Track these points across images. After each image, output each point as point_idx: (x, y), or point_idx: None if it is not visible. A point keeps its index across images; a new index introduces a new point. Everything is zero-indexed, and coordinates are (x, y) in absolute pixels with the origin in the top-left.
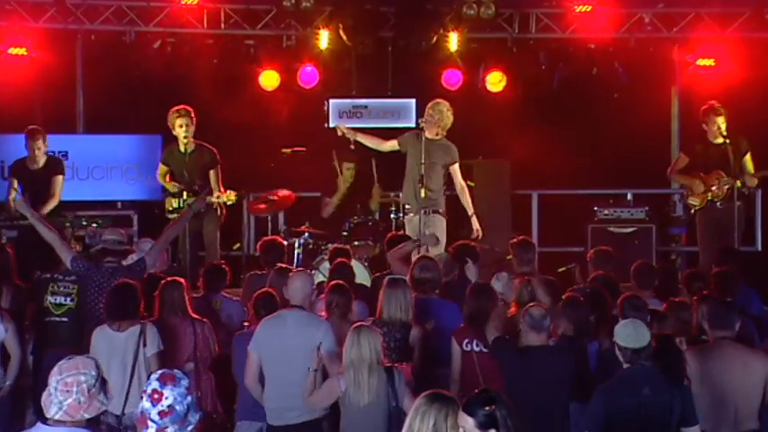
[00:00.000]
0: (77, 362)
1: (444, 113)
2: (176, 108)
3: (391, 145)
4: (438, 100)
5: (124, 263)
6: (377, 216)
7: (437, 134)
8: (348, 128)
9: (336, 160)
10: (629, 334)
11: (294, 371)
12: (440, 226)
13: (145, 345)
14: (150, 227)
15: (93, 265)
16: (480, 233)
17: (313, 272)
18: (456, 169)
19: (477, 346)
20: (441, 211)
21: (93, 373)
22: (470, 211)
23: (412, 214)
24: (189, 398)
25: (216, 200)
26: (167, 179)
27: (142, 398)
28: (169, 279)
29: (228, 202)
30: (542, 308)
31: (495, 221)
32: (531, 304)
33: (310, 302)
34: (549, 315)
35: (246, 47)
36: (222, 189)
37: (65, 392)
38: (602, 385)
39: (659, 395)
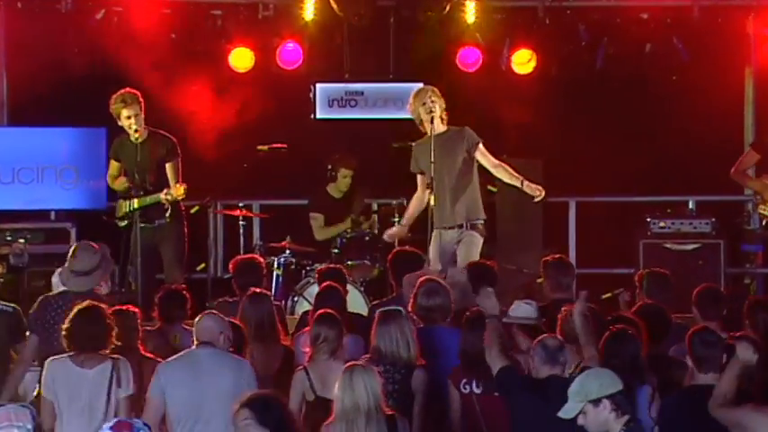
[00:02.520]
0: (9, 412)
1: (432, 98)
2: (120, 93)
3: (421, 184)
4: (415, 91)
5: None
6: (375, 230)
7: (440, 124)
8: (392, 233)
9: (331, 164)
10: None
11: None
12: (473, 248)
13: (119, 385)
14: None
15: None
16: (543, 193)
17: (297, 298)
18: (482, 150)
19: (477, 387)
20: (480, 225)
21: (29, 427)
22: (518, 180)
23: (438, 230)
24: None
25: (164, 197)
26: (118, 180)
27: None
28: (115, 308)
29: (181, 196)
30: (559, 339)
31: (524, 236)
32: (545, 335)
33: (225, 349)
34: (566, 348)
35: (213, 18)
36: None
37: None
38: None
39: None
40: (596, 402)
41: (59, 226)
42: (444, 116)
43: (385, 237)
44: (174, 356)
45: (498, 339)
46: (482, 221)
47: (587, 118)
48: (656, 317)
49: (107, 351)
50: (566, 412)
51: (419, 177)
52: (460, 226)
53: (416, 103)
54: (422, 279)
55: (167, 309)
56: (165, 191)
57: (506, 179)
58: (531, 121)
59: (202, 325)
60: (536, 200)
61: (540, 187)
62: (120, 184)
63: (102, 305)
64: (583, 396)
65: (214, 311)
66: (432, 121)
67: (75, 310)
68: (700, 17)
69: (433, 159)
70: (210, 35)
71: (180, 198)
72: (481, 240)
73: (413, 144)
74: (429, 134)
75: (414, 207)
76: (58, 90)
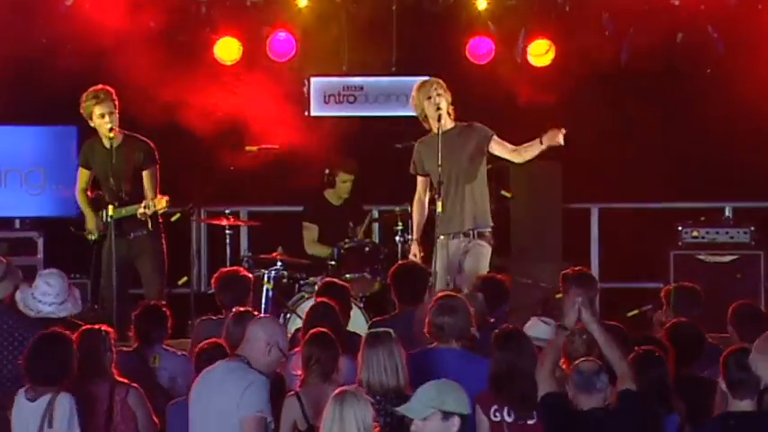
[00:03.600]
0: None
1: (438, 91)
2: (92, 90)
3: (423, 187)
4: (418, 84)
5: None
6: (376, 239)
7: (447, 120)
8: (415, 251)
9: (329, 168)
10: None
11: None
12: (482, 259)
13: (50, 425)
14: (61, 254)
15: None
16: (563, 131)
17: (289, 316)
18: (497, 141)
19: (509, 415)
20: (487, 234)
21: None
22: (537, 144)
23: (442, 237)
24: None
25: (143, 210)
26: (89, 194)
27: None
28: (87, 327)
29: (162, 210)
30: (596, 363)
31: (541, 246)
32: (582, 359)
33: (277, 360)
34: (605, 372)
35: (196, 4)
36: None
37: None
38: None
39: None
40: (448, 416)
41: (25, 235)
42: (451, 111)
43: (414, 258)
44: (205, 370)
45: (554, 357)
46: (490, 229)
47: (611, 116)
48: (689, 337)
49: (60, 384)
50: (412, 411)
51: (420, 180)
52: (467, 234)
53: (420, 97)
54: (439, 294)
55: (145, 328)
56: (143, 203)
57: (530, 154)
58: (548, 118)
59: (247, 334)
60: (559, 138)
61: (560, 129)
62: (91, 216)
63: (66, 332)
64: (437, 403)
65: (269, 315)
66: (439, 119)
67: (36, 338)
68: (737, 4)
69: (440, 160)
70: (193, 23)
71: (161, 211)
72: (490, 250)
73: (416, 143)
74: (435, 132)
75: (419, 214)
76: (23, 85)
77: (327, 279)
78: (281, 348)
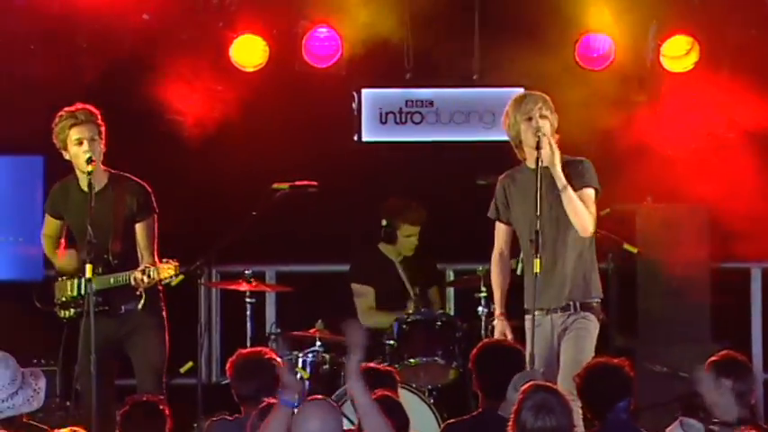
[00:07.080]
0: None
1: (543, 110)
2: (69, 110)
3: (504, 240)
4: (516, 98)
5: None
6: (451, 311)
7: (549, 150)
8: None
9: (387, 218)
10: None
11: None
12: (587, 341)
13: None
14: (21, 331)
15: None
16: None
17: None
18: (588, 195)
19: None
20: (594, 305)
21: None
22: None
23: (537, 314)
24: None
25: (140, 277)
26: (61, 247)
27: None
28: None
29: (166, 280)
30: None
31: (681, 321)
32: None
33: None
34: None
35: None
36: (157, 260)
37: None
38: None
39: None
40: None
41: None
42: (555, 139)
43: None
44: None
45: None
46: (598, 300)
47: None
48: None
49: None
50: None
51: (501, 229)
52: (566, 308)
53: (517, 116)
54: (529, 386)
55: (136, 430)
56: (142, 268)
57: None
58: (689, 144)
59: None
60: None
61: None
62: (68, 262)
63: None
64: None
65: (329, 402)
66: (539, 146)
67: None
68: None
69: (539, 204)
70: (203, 17)
71: (169, 281)
72: (597, 327)
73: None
74: (531, 165)
75: (502, 277)
76: None
77: (368, 365)
78: None
